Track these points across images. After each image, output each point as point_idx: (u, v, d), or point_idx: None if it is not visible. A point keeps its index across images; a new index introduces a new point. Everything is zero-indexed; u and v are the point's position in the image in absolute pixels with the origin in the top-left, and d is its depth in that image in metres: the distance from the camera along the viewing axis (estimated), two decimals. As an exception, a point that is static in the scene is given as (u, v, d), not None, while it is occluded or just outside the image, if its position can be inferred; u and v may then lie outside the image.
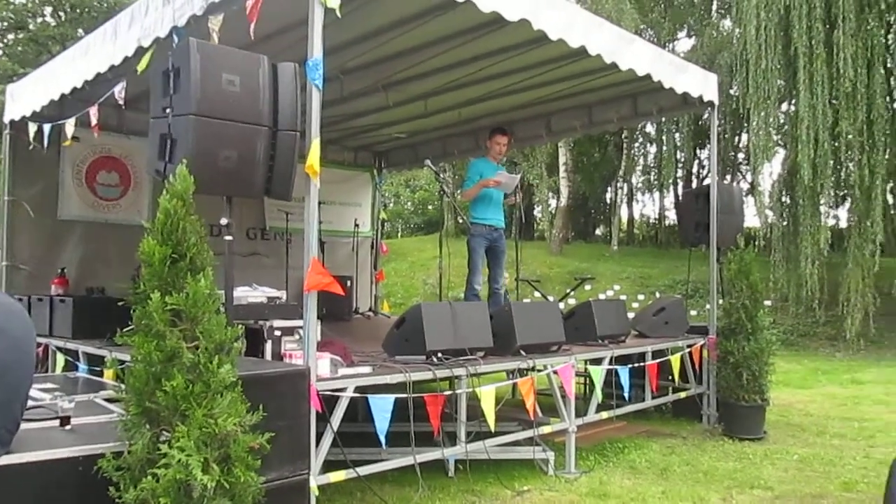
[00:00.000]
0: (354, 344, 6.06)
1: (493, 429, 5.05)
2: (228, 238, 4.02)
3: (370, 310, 10.79)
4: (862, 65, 14.60)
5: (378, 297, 11.49)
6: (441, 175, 6.86)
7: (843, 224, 18.03)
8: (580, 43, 5.59)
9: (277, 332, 4.52)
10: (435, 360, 4.90)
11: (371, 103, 8.37)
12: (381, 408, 4.33)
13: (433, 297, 14.22)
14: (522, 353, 5.53)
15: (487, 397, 4.98)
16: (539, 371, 5.62)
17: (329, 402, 4.15)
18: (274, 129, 3.87)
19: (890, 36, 15.60)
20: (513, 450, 5.64)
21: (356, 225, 10.79)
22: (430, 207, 38.04)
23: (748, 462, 6.19)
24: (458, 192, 7.44)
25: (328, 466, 4.31)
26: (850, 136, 14.96)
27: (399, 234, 39.89)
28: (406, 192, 40.20)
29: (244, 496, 2.93)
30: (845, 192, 16.81)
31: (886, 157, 15.05)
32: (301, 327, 4.17)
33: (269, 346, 4.49)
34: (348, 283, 9.48)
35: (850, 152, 15.28)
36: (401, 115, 8.93)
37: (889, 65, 15.62)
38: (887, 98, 15.62)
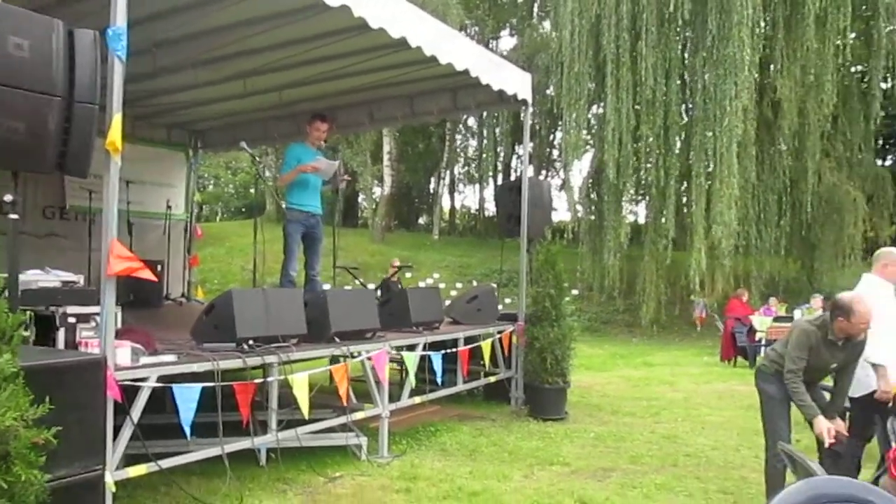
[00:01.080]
0: (163, 331, 5.78)
1: (306, 416, 5.03)
2: (13, 216, 3.68)
3: (183, 296, 10.31)
4: (661, 74, 15.94)
5: (192, 282, 11.00)
6: (258, 158, 6.67)
7: (642, 220, 19.57)
8: (401, 34, 5.66)
9: (72, 319, 4.21)
10: (246, 347, 4.78)
11: (186, 80, 7.95)
12: (186, 397, 4.17)
13: (252, 284, 13.85)
14: (337, 339, 5.53)
15: (300, 385, 4.94)
16: (354, 357, 5.65)
17: (130, 392, 3.93)
18: (69, 101, 3.56)
19: (686, 50, 17.11)
20: (326, 437, 5.64)
21: (168, 207, 10.24)
22: (251, 191, 36.91)
23: (550, 440, 6.61)
24: (278, 176, 7.27)
25: (130, 460, 4.10)
26: (649, 140, 16.30)
27: (218, 218, 38.43)
28: (227, 175, 38.74)
29: (25, 496, 2.70)
30: (644, 191, 18.28)
31: (679, 160, 16.55)
32: (98, 314, 3.91)
33: (61, 333, 4.18)
34: (159, 267, 8.97)
35: (648, 154, 16.65)
36: (218, 93, 8.59)
37: (685, 76, 17.15)
38: (683, 106, 17.17)
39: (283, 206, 6.96)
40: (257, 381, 4.79)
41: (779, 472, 4.49)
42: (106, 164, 3.74)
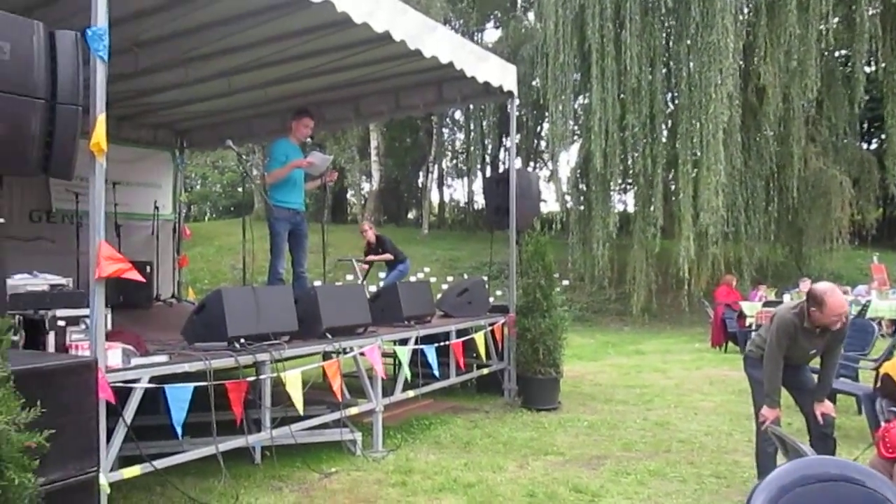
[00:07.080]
0: (154, 332, 5.77)
1: (301, 412, 5.03)
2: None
3: (173, 296, 10.27)
4: (646, 63, 15.94)
5: (181, 283, 10.97)
6: (244, 157, 6.62)
7: (630, 209, 19.58)
8: (384, 28, 5.64)
9: (61, 323, 4.20)
10: (237, 345, 4.78)
11: (170, 79, 7.93)
12: (178, 398, 4.16)
13: (242, 283, 13.84)
14: (328, 335, 5.53)
15: (293, 382, 4.94)
16: (346, 353, 5.65)
17: (122, 394, 3.92)
18: (52, 103, 3.54)
19: (670, 38, 17.11)
20: (320, 433, 5.63)
21: (156, 207, 10.18)
22: (239, 190, 36.74)
23: (543, 431, 6.62)
24: (266, 174, 7.23)
25: (125, 462, 4.11)
26: (635, 129, 16.30)
27: (206, 218, 38.27)
28: (214, 174, 38.52)
29: (19, 500, 2.69)
30: (631, 179, 18.29)
31: (666, 148, 16.57)
32: (88, 316, 3.89)
33: (51, 337, 4.16)
34: (148, 268, 8.93)
35: (635, 143, 16.65)
36: (203, 92, 8.54)
37: (670, 64, 17.16)
38: (668, 94, 17.18)
39: (269, 204, 6.92)
40: (250, 379, 4.79)
41: (769, 455, 4.53)
42: (91, 165, 3.73)
